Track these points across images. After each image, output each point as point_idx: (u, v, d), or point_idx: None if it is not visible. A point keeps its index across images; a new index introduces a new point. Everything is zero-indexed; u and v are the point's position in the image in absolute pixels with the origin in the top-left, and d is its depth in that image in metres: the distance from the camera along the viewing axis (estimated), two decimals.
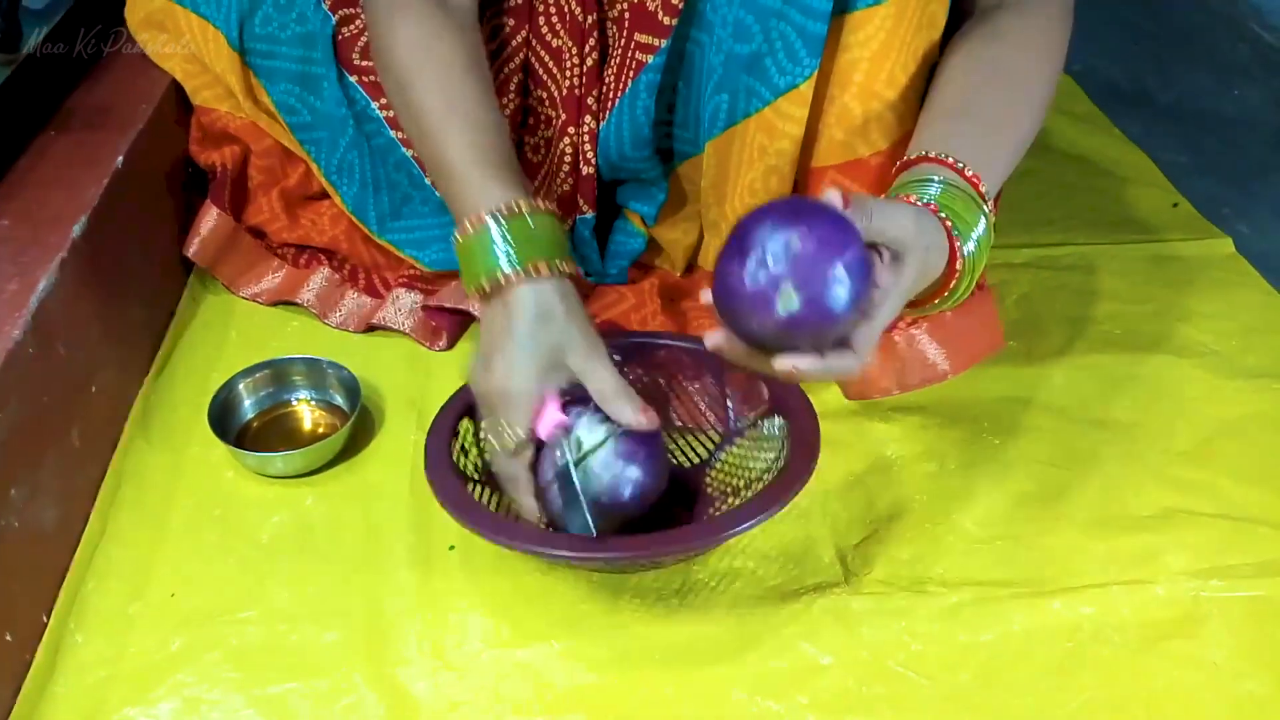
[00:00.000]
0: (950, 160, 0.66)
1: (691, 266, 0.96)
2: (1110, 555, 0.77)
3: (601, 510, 0.68)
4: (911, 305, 0.66)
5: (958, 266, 0.64)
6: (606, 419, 0.69)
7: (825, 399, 0.89)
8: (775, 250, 0.58)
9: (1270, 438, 0.87)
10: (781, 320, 0.58)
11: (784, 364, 0.59)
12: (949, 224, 0.64)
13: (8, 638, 0.66)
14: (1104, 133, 1.29)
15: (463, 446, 0.75)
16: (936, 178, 0.65)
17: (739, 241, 0.59)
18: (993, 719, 0.67)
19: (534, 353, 0.67)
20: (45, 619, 0.70)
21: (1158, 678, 0.69)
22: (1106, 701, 0.68)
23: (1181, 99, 1.38)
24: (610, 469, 0.68)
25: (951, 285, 0.65)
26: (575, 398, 0.69)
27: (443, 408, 0.77)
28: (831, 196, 0.59)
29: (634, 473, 0.69)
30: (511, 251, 0.67)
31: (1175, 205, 1.15)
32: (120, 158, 0.85)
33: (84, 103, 0.91)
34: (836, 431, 0.86)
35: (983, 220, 0.66)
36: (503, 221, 0.67)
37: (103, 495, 0.79)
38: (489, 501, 0.72)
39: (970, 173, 0.66)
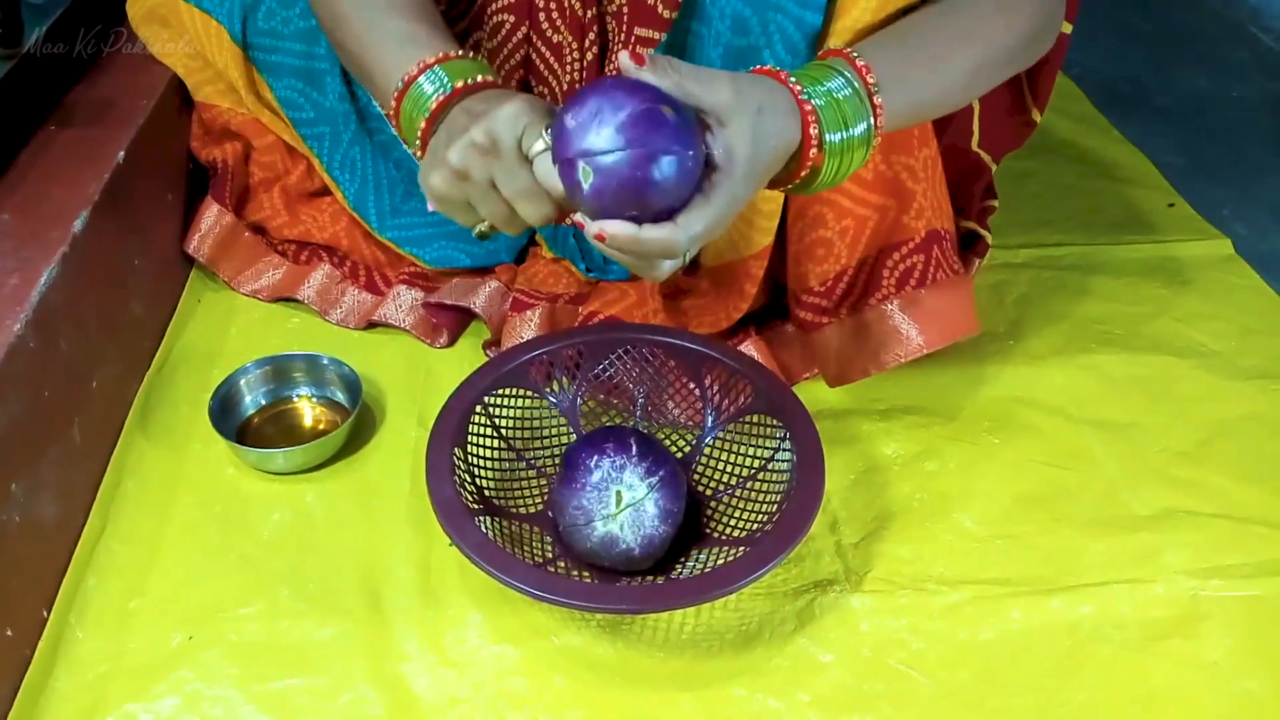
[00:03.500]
0: (858, 61, 0.64)
1: (694, 263, 0.96)
2: (1109, 554, 0.77)
3: (626, 557, 0.71)
4: (772, 184, 0.64)
5: (812, 132, 0.61)
6: (647, 475, 0.71)
7: (827, 398, 0.89)
8: (569, 133, 0.57)
9: (1268, 438, 0.87)
10: (589, 195, 0.57)
11: (593, 228, 0.58)
12: (798, 89, 0.61)
13: (8, 633, 0.66)
14: (1102, 134, 1.29)
15: (467, 466, 0.75)
16: (844, 72, 0.64)
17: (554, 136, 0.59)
18: (992, 717, 0.67)
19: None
20: (46, 614, 0.70)
21: (1156, 676, 0.70)
22: (1105, 700, 0.68)
23: (1179, 100, 1.39)
24: (644, 526, 0.71)
25: (809, 162, 0.62)
26: (617, 448, 0.71)
27: (435, 434, 0.75)
28: (623, 61, 0.58)
29: (665, 531, 0.71)
30: (444, 76, 0.67)
31: (1171, 205, 1.16)
32: (121, 153, 0.85)
33: (85, 98, 0.91)
34: (836, 430, 0.86)
35: (864, 124, 0.63)
36: (434, 68, 0.67)
37: (103, 491, 0.79)
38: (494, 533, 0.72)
39: (864, 67, 0.64)
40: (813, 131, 0.61)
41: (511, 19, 0.85)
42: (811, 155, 0.62)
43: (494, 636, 0.71)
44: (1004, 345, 0.95)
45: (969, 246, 0.96)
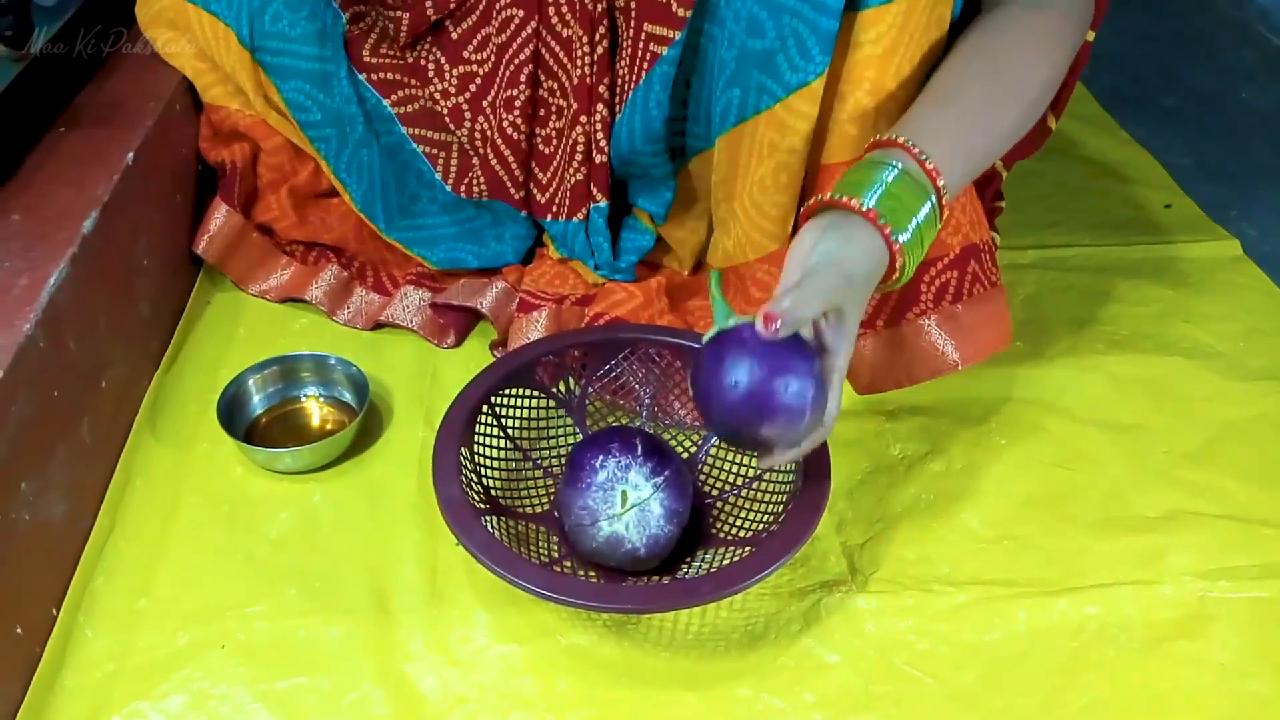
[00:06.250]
0: (915, 150, 0.66)
1: (699, 265, 0.96)
2: (1116, 555, 0.77)
3: (632, 557, 0.71)
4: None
5: (895, 252, 0.64)
6: (652, 475, 0.71)
7: None
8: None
9: (1276, 439, 0.87)
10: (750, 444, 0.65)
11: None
12: (879, 220, 0.64)
13: (18, 631, 0.66)
14: (1110, 135, 1.29)
15: (474, 467, 0.76)
16: (897, 164, 0.65)
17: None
18: (997, 718, 0.67)
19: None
20: (55, 613, 0.70)
21: (1163, 678, 0.69)
22: (1111, 701, 0.68)
23: (1187, 101, 1.38)
24: (649, 526, 0.71)
25: (897, 268, 0.65)
26: (622, 448, 0.72)
27: (442, 434, 0.75)
28: (749, 331, 0.62)
29: (670, 530, 0.71)
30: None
31: (1168, 206, 1.15)
32: (130, 154, 0.86)
33: (94, 100, 0.92)
34: (843, 431, 0.86)
35: (927, 205, 0.65)
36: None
37: (112, 490, 0.79)
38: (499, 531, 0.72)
39: (931, 165, 0.65)
40: (895, 252, 0.64)
41: (520, 13, 0.85)
42: (899, 269, 0.65)
43: (500, 636, 0.71)
44: (1011, 346, 0.94)
45: None
